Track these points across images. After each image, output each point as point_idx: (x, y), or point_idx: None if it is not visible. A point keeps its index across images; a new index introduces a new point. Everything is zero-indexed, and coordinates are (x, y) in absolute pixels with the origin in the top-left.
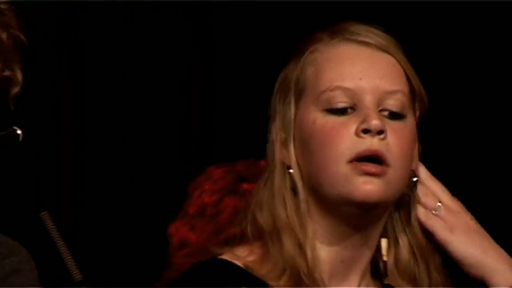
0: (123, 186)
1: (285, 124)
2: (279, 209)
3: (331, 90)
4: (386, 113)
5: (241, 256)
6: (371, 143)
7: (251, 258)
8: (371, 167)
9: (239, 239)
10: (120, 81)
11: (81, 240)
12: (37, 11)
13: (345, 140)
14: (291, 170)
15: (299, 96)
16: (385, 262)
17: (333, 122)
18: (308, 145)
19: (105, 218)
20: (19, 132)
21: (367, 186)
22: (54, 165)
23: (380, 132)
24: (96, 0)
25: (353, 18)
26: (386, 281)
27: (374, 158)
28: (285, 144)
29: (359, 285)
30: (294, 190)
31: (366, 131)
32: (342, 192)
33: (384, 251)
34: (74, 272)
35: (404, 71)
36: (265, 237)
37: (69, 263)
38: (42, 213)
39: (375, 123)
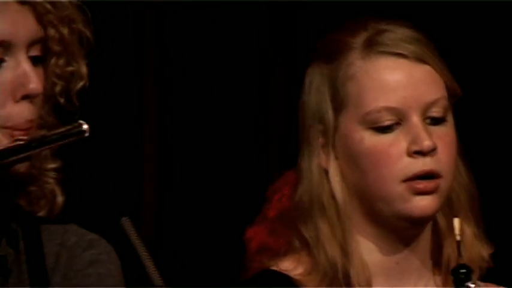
0: (203, 191)
1: (324, 130)
2: (319, 219)
3: (378, 112)
4: (429, 120)
5: (290, 269)
6: (424, 163)
7: (299, 270)
8: (426, 186)
9: (285, 250)
10: (201, 84)
11: (161, 246)
12: (122, 10)
13: (398, 161)
14: (332, 178)
15: (339, 108)
16: (458, 242)
17: (382, 142)
18: (358, 163)
19: (184, 222)
20: (85, 126)
21: (424, 203)
22: (136, 171)
23: (431, 150)
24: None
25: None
26: (460, 261)
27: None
28: (323, 148)
29: (421, 280)
30: (332, 195)
31: (418, 152)
32: (399, 210)
33: (457, 230)
34: (155, 278)
35: (440, 75)
36: (311, 247)
37: (151, 269)
38: (123, 218)
39: (427, 144)
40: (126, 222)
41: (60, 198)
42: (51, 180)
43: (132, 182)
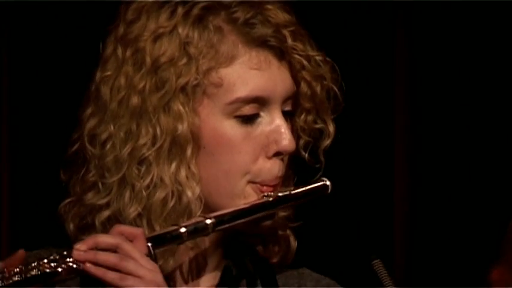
0: (455, 232)
1: None
2: None
3: None
4: None
5: None
6: None
7: None
8: None
9: None
10: (458, 118)
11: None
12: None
13: None
14: None
15: None
16: None
17: None
18: None
19: (436, 264)
20: (328, 183)
21: None
22: (387, 212)
23: None
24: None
25: None
26: None
27: None
28: None
29: None
30: None
31: None
32: None
33: None
34: None
35: None
36: None
37: None
38: (375, 261)
39: None
40: (377, 264)
41: (293, 246)
42: (285, 228)
43: (383, 224)
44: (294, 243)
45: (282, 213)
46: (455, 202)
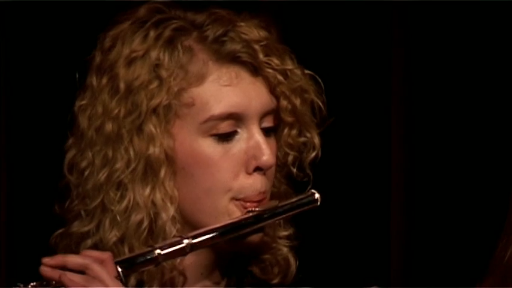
0: (455, 258)
1: None
2: None
3: None
4: None
5: None
6: None
7: None
8: None
9: None
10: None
11: None
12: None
13: None
14: None
15: None
16: None
17: None
18: None
19: (433, 276)
20: (317, 196)
21: None
22: (383, 239)
23: None
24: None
25: None
26: None
27: None
28: None
29: None
30: None
31: None
32: None
33: None
34: None
35: None
36: None
37: None
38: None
39: None
40: None
41: (293, 266)
42: (284, 248)
43: (380, 249)
44: (294, 262)
45: (282, 233)
46: (452, 210)
